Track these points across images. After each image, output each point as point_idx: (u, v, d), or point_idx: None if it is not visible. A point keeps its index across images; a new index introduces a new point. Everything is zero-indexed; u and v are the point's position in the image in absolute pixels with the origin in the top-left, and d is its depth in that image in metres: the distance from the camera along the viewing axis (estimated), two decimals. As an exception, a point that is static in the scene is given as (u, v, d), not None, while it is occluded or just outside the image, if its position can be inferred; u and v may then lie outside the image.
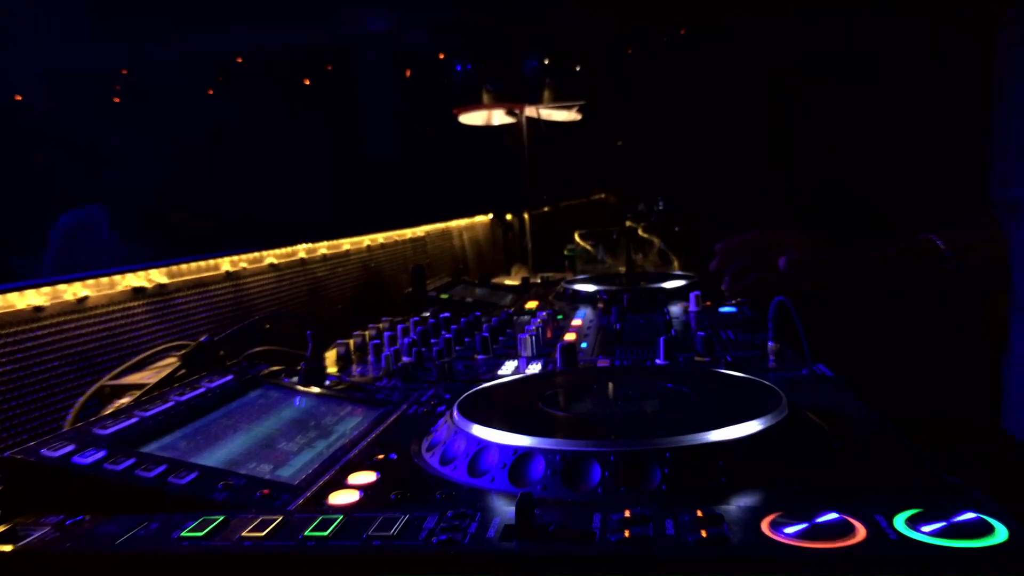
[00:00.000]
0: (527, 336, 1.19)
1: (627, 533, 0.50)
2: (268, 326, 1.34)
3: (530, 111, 2.97)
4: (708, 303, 1.51)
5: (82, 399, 0.94)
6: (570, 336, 1.28)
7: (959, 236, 1.26)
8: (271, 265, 1.58)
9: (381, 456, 0.72)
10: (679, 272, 2.07)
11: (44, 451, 0.65)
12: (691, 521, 0.51)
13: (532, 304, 1.70)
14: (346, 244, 1.92)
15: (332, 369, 1.13)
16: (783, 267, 1.29)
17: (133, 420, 0.74)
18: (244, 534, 0.54)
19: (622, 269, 2.25)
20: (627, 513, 0.53)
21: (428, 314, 1.47)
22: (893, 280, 1.35)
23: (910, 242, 1.32)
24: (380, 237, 2.13)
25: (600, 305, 1.57)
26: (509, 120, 2.95)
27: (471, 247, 2.91)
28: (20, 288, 1.01)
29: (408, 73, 5.05)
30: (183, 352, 1.00)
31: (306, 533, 0.54)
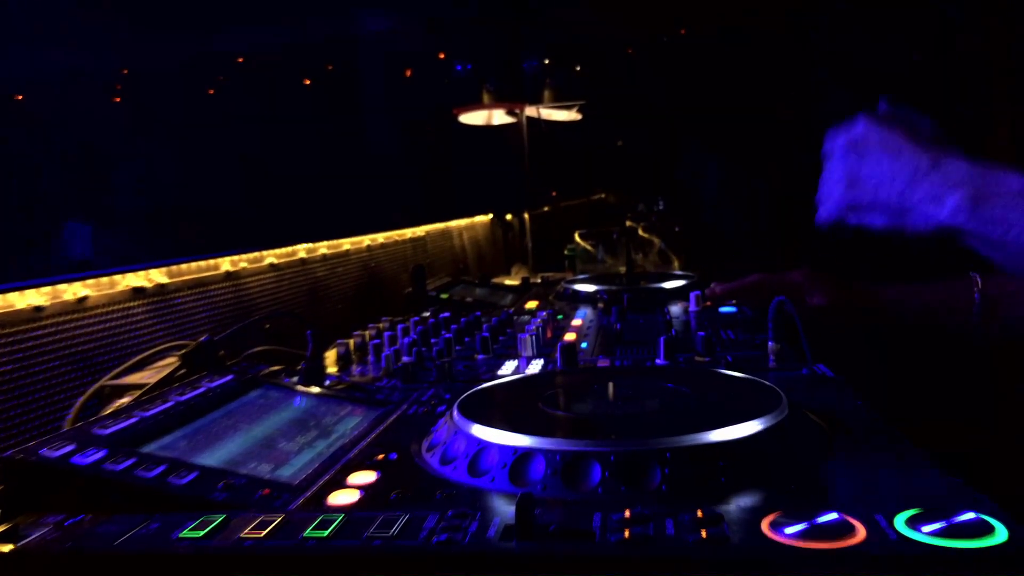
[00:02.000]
0: (527, 336, 1.19)
1: (627, 533, 0.50)
2: (268, 326, 1.34)
3: (530, 111, 2.97)
4: (708, 303, 1.51)
5: (82, 399, 0.94)
6: (570, 336, 1.28)
7: (1003, 282, 1.13)
8: (271, 265, 1.58)
9: (381, 456, 0.72)
10: (679, 272, 2.07)
11: (44, 451, 0.65)
12: (691, 521, 0.51)
13: (532, 304, 1.70)
14: (346, 244, 1.92)
15: (332, 369, 1.13)
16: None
17: (133, 420, 0.74)
18: (244, 534, 0.54)
19: (622, 269, 2.25)
20: (627, 513, 0.53)
21: (428, 314, 1.47)
22: (906, 323, 1.26)
23: (934, 286, 1.21)
24: (380, 237, 2.13)
25: (600, 305, 1.57)
26: (509, 120, 2.96)
27: (471, 247, 2.91)
28: (20, 288, 1.01)
29: (408, 73, 5.05)
30: (183, 352, 0.99)
31: (306, 533, 0.54)
